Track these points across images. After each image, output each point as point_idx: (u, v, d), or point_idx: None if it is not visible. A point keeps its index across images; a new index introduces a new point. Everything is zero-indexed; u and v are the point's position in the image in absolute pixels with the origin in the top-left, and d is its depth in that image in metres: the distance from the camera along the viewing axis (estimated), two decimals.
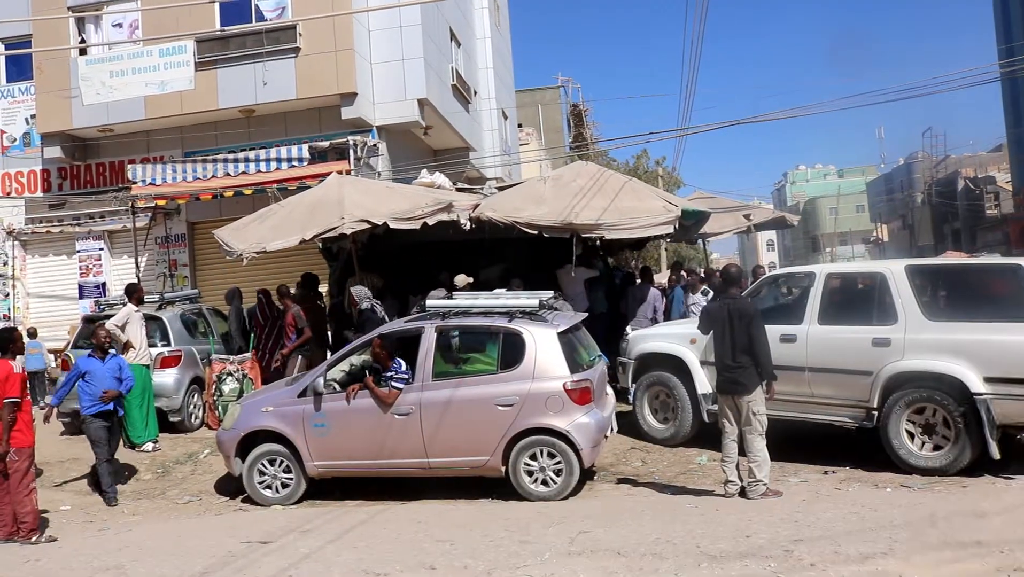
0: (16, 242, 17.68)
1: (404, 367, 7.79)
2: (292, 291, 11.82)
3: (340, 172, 13.57)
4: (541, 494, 7.40)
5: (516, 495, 7.48)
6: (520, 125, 30.56)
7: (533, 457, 7.45)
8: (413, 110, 16.32)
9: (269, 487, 8.03)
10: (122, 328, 10.01)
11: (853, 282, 8.43)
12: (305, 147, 15.25)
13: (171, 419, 10.92)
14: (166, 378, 10.86)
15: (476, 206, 11.02)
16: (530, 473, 7.47)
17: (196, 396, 11.38)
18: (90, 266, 17.39)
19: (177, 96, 15.74)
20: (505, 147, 24.54)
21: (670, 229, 10.41)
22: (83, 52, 16.45)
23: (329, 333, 11.88)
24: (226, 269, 14.97)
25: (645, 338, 9.53)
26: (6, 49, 17.56)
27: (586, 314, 9.12)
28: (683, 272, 12.89)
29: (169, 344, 11.20)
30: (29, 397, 7.37)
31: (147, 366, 10.22)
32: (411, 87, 16.29)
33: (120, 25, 16.50)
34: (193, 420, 11.25)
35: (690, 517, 6.48)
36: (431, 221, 10.67)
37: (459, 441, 7.56)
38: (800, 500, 6.82)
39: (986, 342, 7.08)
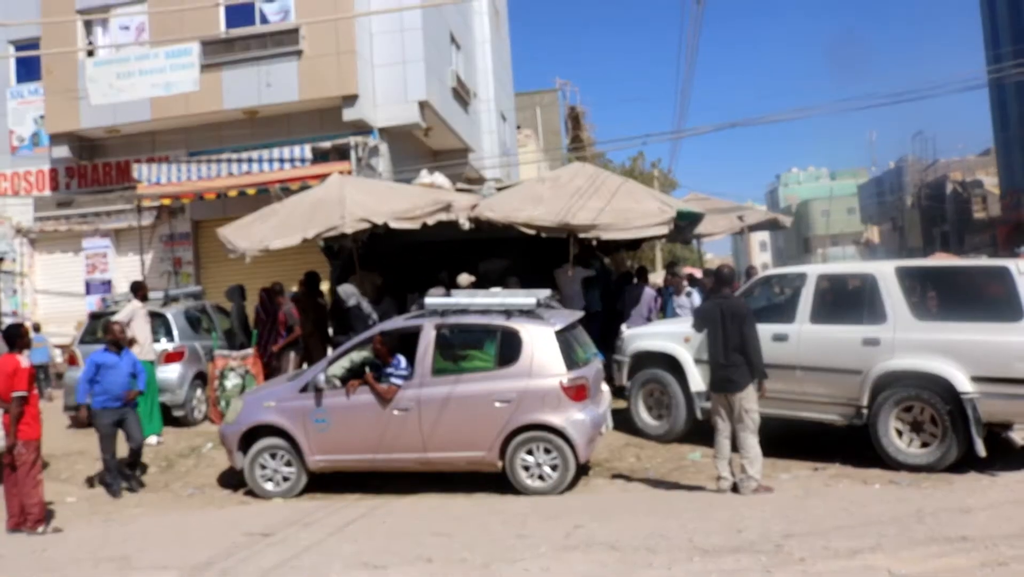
0: (25, 240, 17.82)
1: (404, 363, 7.91)
2: (294, 289, 11.93)
3: (341, 172, 13.68)
4: (537, 489, 7.50)
5: (513, 490, 7.56)
6: (519, 127, 30.60)
7: (530, 452, 7.54)
8: (414, 112, 16.39)
9: (271, 480, 8.13)
10: (127, 324, 10.13)
11: (844, 283, 8.50)
12: (307, 148, 15.35)
13: (175, 414, 11.04)
14: (170, 373, 10.98)
15: (475, 206, 11.09)
16: (527, 468, 7.56)
17: (199, 391, 11.50)
18: (96, 263, 17.50)
19: (182, 97, 15.84)
20: (504, 149, 24.63)
21: (665, 230, 10.49)
22: (91, 54, 16.58)
23: (331, 331, 11.99)
24: (229, 267, 15.04)
25: (640, 337, 9.61)
26: (16, 51, 17.71)
27: (583, 313, 9.20)
28: (670, 274, 12.93)
29: (173, 340, 11.32)
30: (36, 391, 7.46)
31: (152, 362, 10.35)
32: (412, 89, 16.37)
33: (127, 28, 16.60)
34: (196, 415, 11.37)
35: (683, 512, 6.54)
36: (431, 221, 10.76)
37: (457, 436, 7.65)
38: (791, 496, 6.89)
39: (973, 342, 7.17)
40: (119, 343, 8.64)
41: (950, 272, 8.46)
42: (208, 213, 16.49)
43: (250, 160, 15.49)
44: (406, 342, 8.09)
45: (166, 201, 15.97)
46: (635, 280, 12.53)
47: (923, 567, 4.89)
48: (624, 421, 9.34)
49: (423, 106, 16.48)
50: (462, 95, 19.73)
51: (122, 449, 8.75)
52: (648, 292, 11.82)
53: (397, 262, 12.45)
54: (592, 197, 10.51)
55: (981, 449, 7.07)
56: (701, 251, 19.38)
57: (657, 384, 9.16)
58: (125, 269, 17.16)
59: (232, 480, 8.72)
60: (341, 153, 15.31)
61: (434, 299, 8.33)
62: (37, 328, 15.62)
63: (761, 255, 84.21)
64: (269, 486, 8.13)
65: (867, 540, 5.37)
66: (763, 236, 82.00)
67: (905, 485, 7.04)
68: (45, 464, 8.30)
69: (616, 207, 10.37)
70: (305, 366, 10.37)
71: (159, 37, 15.89)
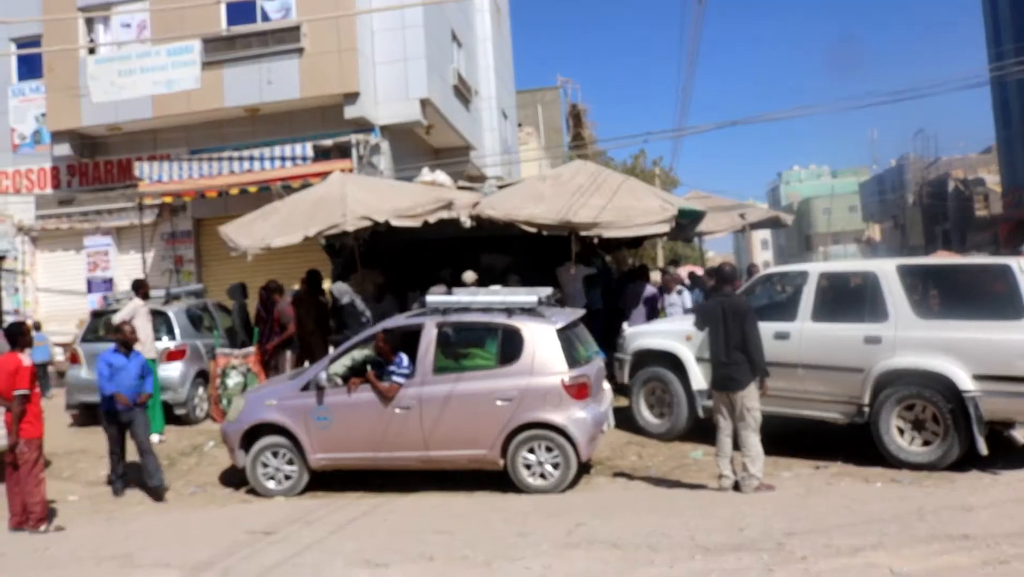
0: (26, 238, 17.85)
1: (406, 362, 7.91)
2: (296, 287, 11.94)
3: (343, 170, 13.68)
4: (539, 487, 7.50)
5: (514, 488, 7.57)
6: (520, 125, 30.59)
7: (531, 451, 7.55)
8: (415, 110, 16.40)
9: (272, 479, 8.14)
10: (129, 322, 10.14)
11: (846, 281, 8.48)
12: (309, 145, 15.37)
13: (177, 412, 11.05)
14: (172, 372, 11.00)
15: (476, 204, 11.09)
16: (528, 466, 7.56)
17: (201, 389, 11.51)
18: (98, 261, 17.53)
19: (184, 95, 15.85)
20: (505, 146, 24.63)
21: (667, 228, 10.48)
22: (92, 52, 16.60)
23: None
24: (231, 265, 15.08)
25: (641, 335, 9.61)
26: (18, 48, 17.73)
27: (584, 311, 9.20)
28: (666, 275, 12.93)
29: (175, 338, 11.33)
30: (38, 389, 7.47)
31: (153, 360, 10.35)
32: (413, 87, 16.37)
33: (128, 25, 16.62)
34: (198, 413, 11.39)
35: (685, 510, 6.55)
36: (432, 218, 10.77)
37: (459, 435, 7.66)
38: (792, 494, 6.89)
39: (974, 340, 7.16)
40: (129, 344, 8.55)
41: (952, 270, 8.45)
42: (209, 211, 16.51)
43: (251, 158, 15.52)
44: (408, 340, 8.10)
45: (167, 199, 15.99)
46: (636, 278, 12.52)
47: (925, 565, 4.88)
48: (626, 419, 9.34)
49: (424, 104, 16.48)
50: (463, 93, 19.73)
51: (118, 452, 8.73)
52: (649, 290, 11.83)
53: (399, 260, 12.46)
54: (593, 195, 10.50)
55: (983, 447, 7.07)
56: (703, 249, 19.37)
57: (659, 382, 9.16)
58: (127, 267, 17.19)
59: (234, 478, 8.73)
60: (342, 151, 15.32)
61: (436, 297, 8.33)
62: (38, 327, 15.64)
63: (763, 253, 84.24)
64: (271, 484, 8.14)
65: (869, 538, 5.37)
66: (764, 234, 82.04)
67: (907, 483, 7.04)
68: (47, 462, 8.31)
69: (617, 205, 10.36)
70: (307, 364, 10.36)
71: (160, 35, 15.89)
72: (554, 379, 7.49)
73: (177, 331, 11.42)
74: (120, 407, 8.26)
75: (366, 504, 7.55)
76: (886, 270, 7.85)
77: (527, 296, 8.01)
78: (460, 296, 8.29)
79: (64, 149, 16.92)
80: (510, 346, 7.71)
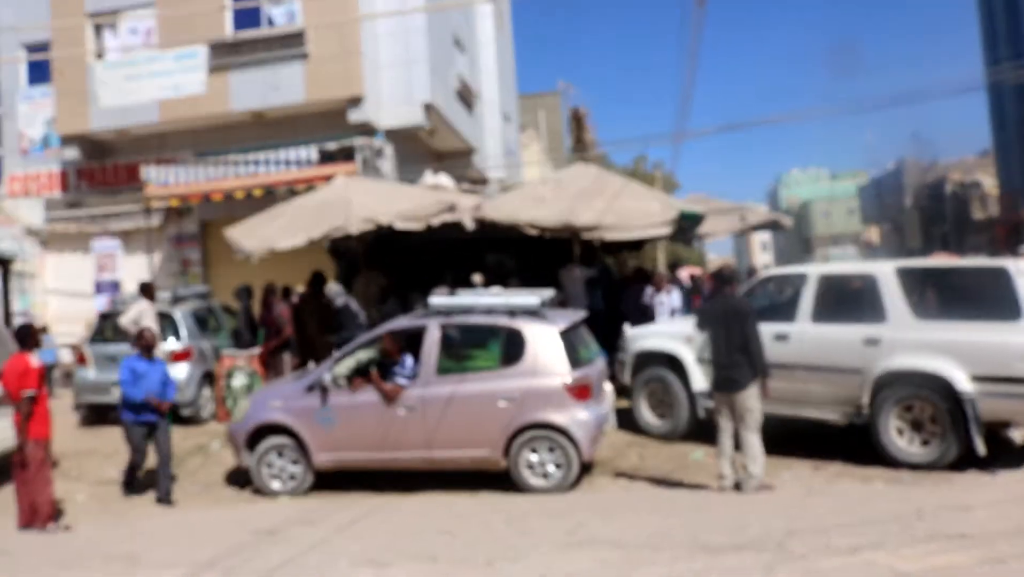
0: (35, 240, 17.96)
1: (410, 363, 7.96)
2: (300, 289, 12.00)
3: (347, 174, 13.75)
4: (541, 487, 7.53)
5: (516, 488, 7.58)
6: (522, 128, 30.65)
7: (533, 451, 7.58)
8: (418, 113, 16.47)
9: (277, 479, 8.18)
10: (136, 324, 10.23)
11: (845, 283, 8.49)
12: (313, 149, 15.43)
13: (183, 413, 11.09)
14: (178, 373, 10.98)
15: (479, 207, 11.15)
16: (530, 467, 7.59)
17: (207, 390, 11.57)
18: (106, 264, 17.64)
19: (190, 100, 15.97)
20: (507, 150, 24.68)
21: (667, 230, 10.51)
22: (100, 57, 16.73)
23: None
24: (237, 267, 15.10)
25: (643, 336, 9.64)
26: (27, 53, 17.86)
27: (586, 312, 9.26)
28: (656, 274, 12.92)
29: (181, 340, 11.40)
30: (46, 390, 7.53)
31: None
32: (416, 91, 16.45)
33: (136, 31, 16.76)
34: (204, 413, 11.44)
35: (686, 510, 6.58)
36: (435, 221, 10.81)
37: (461, 435, 7.69)
38: (793, 494, 6.91)
39: (972, 341, 7.18)
40: (151, 349, 8.46)
41: (950, 272, 8.46)
42: (215, 214, 16.58)
43: (257, 162, 15.59)
44: (411, 342, 8.14)
45: (174, 202, 16.08)
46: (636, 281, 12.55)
47: (924, 564, 4.89)
48: (627, 420, 9.36)
49: (428, 108, 16.56)
50: (466, 97, 19.80)
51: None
52: (647, 291, 11.87)
53: (402, 263, 12.51)
54: (595, 198, 10.54)
55: (981, 448, 7.08)
56: (703, 251, 19.36)
57: (660, 383, 9.17)
58: (134, 269, 17.27)
59: (239, 478, 8.77)
60: (347, 155, 15.37)
61: (439, 299, 8.38)
62: (44, 329, 15.74)
63: (762, 255, 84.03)
64: (276, 484, 8.18)
65: (868, 537, 5.38)
66: (764, 236, 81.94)
67: (906, 483, 7.05)
68: (55, 463, 8.35)
69: (618, 208, 10.39)
70: (311, 366, 10.42)
71: (167, 40, 16.03)
72: (556, 380, 7.53)
73: (183, 333, 11.49)
74: (147, 416, 8.19)
75: (369, 504, 7.58)
76: (885, 272, 7.86)
77: (529, 298, 8.04)
78: (463, 298, 8.35)
79: (73, 153, 17.07)
80: (512, 347, 7.74)
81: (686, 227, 11.54)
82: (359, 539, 6.30)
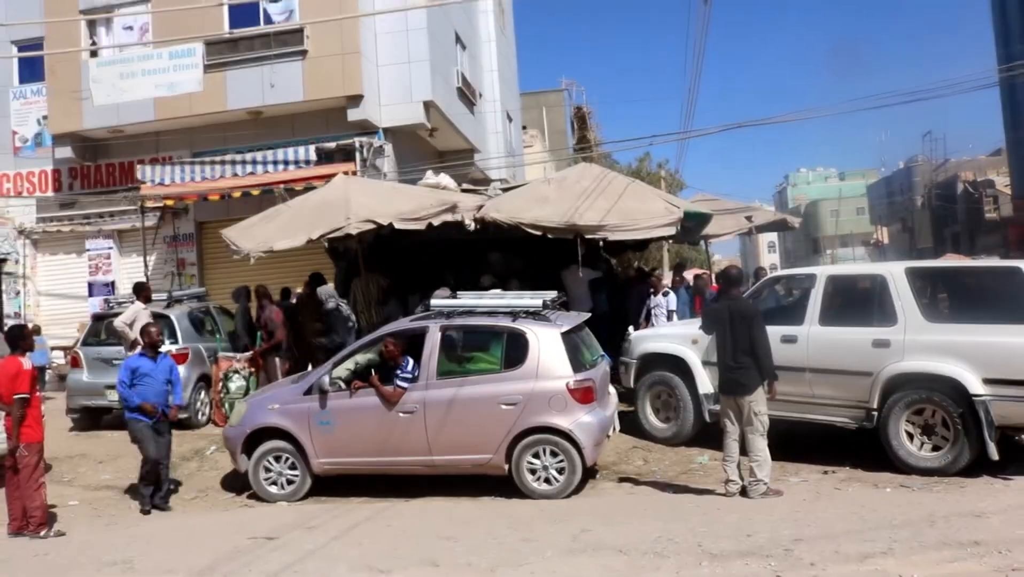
0: (27, 241, 17.83)
1: (411, 365, 7.86)
2: (299, 290, 11.90)
3: (346, 173, 13.66)
4: (544, 492, 7.45)
5: (519, 493, 7.51)
6: (524, 127, 30.59)
7: (536, 455, 7.50)
8: (419, 112, 16.40)
9: (275, 484, 8.09)
10: (130, 326, 10.12)
11: (853, 284, 8.43)
12: (312, 148, 15.34)
13: (179, 416, 10.99)
14: None
15: (481, 207, 11.06)
16: (533, 471, 7.51)
17: (203, 393, 11.46)
18: (99, 265, 17.53)
19: (186, 98, 15.87)
20: (509, 149, 24.61)
21: (672, 230, 10.44)
22: (94, 54, 16.61)
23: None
24: (233, 268, 15.05)
25: (647, 338, 9.58)
26: (19, 51, 17.74)
27: (589, 314, 9.15)
28: (652, 277, 12.82)
29: (177, 342, 11.28)
30: (39, 393, 7.44)
31: None
32: (417, 89, 16.38)
33: (131, 28, 16.66)
34: (200, 417, 11.34)
35: (691, 516, 6.51)
36: (436, 222, 10.73)
37: (463, 439, 7.60)
38: (800, 499, 6.84)
39: (985, 344, 7.11)
40: (156, 347, 8.19)
41: (961, 273, 8.45)
42: (212, 214, 16.49)
43: (254, 161, 15.49)
44: (411, 344, 8.04)
45: (169, 202, 15.97)
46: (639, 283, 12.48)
47: (935, 572, 4.85)
48: (631, 424, 9.30)
49: (428, 106, 16.49)
50: (467, 95, 19.72)
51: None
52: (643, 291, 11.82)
53: (402, 263, 12.42)
54: (599, 198, 10.46)
55: (994, 453, 7.00)
56: (709, 252, 19.30)
57: (664, 386, 9.11)
58: (128, 270, 17.21)
59: (236, 483, 8.69)
60: (346, 154, 15.29)
61: (440, 300, 8.28)
62: (37, 331, 15.62)
63: (769, 256, 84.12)
64: (273, 489, 8.09)
65: (878, 545, 5.33)
66: (771, 237, 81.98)
67: (917, 489, 6.98)
68: (48, 467, 8.29)
69: (623, 208, 10.32)
70: (310, 368, 10.30)
71: (162, 37, 15.92)
72: (559, 383, 7.44)
73: (179, 335, 11.38)
74: (146, 418, 7.92)
75: (369, 509, 7.50)
76: (895, 273, 7.79)
77: (532, 299, 7.96)
78: (465, 299, 8.25)
79: (66, 152, 16.94)
80: (515, 350, 7.65)
81: (691, 227, 11.46)
82: (359, 545, 6.22)
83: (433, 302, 8.24)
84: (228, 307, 13.20)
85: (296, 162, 15.32)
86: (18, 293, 17.62)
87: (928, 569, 4.87)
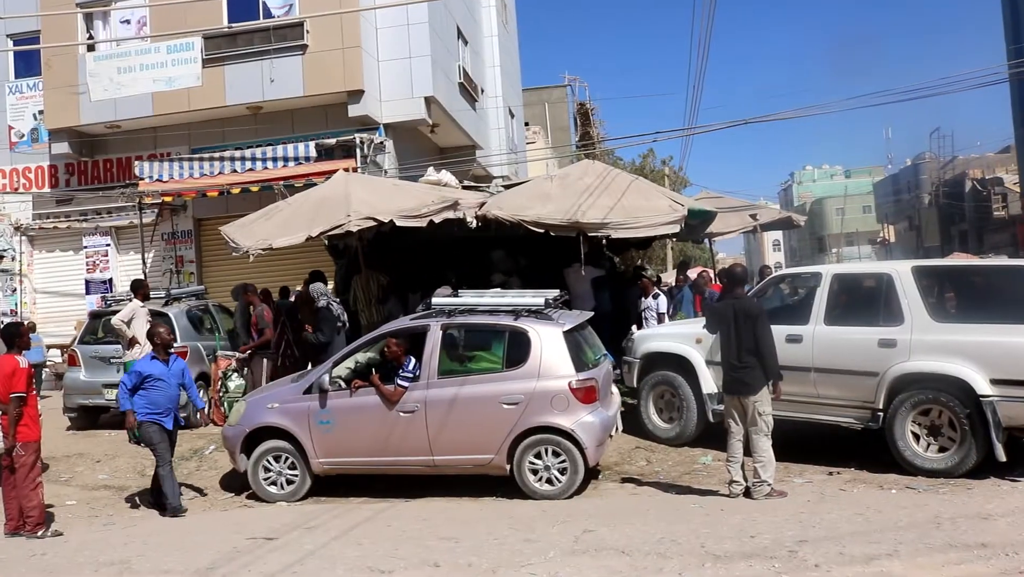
0: (23, 238, 17.76)
1: (412, 364, 7.80)
2: (298, 288, 11.82)
3: (347, 169, 13.58)
4: (546, 493, 7.40)
5: (521, 493, 7.48)
6: (527, 124, 30.53)
7: (538, 456, 7.45)
8: (420, 108, 16.35)
9: (274, 484, 8.03)
10: (128, 324, 10.05)
11: (859, 283, 8.38)
12: (312, 144, 15.26)
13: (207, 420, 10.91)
14: None
15: (482, 204, 10.98)
16: (535, 472, 7.46)
17: (202, 392, 11.36)
18: (97, 262, 17.48)
19: (184, 93, 15.80)
20: (512, 145, 24.53)
21: (676, 228, 10.35)
22: (91, 48, 16.53)
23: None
24: (232, 266, 15.02)
25: (650, 337, 9.54)
26: (15, 45, 17.65)
27: (591, 313, 9.10)
28: (643, 278, 12.68)
29: (175, 340, 11.20)
30: (35, 392, 7.39)
31: None
32: (418, 85, 16.32)
33: (128, 22, 16.60)
34: (197, 416, 11.25)
35: (694, 517, 6.48)
36: (437, 219, 10.65)
37: (464, 439, 7.56)
38: (805, 501, 6.81)
39: (993, 344, 7.05)
40: (167, 348, 7.95)
41: (969, 272, 8.41)
42: (211, 211, 16.45)
43: (253, 157, 15.43)
44: (412, 343, 7.99)
45: (168, 198, 15.92)
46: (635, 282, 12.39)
47: (941, 574, 4.82)
48: (634, 424, 9.25)
49: (429, 102, 16.43)
50: (469, 91, 19.66)
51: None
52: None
53: (403, 261, 12.36)
54: (601, 195, 10.38)
55: (1001, 454, 6.95)
56: (713, 250, 19.26)
57: (668, 386, 9.06)
58: (126, 268, 17.16)
59: (235, 483, 8.64)
60: (346, 150, 15.23)
61: (441, 299, 8.23)
62: (31, 328, 15.55)
63: (774, 254, 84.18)
64: (273, 489, 8.03)
65: (883, 546, 5.30)
66: (776, 235, 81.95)
67: (922, 490, 6.94)
68: (45, 466, 8.25)
69: (626, 205, 10.24)
70: (309, 366, 10.24)
71: (160, 31, 15.83)
72: (561, 382, 7.39)
73: (177, 333, 11.24)
74: (163, 418, 7.64)
75: (369, 509, 7.46)
76: (901, 272, 7.74)
77: (534, 298, 7.92)
78: (466, 298, 8.20)
79: (62, 147, 16.88)
80: (516, 349, 7.60)
81: (695, 225, 11.38)
82: (359, 545, 6.19)
83: (434, 300, 8.20)
84: (227, 305, 13.14)
85: (296, 158, 15.24)
86: (14, 290, 17.56)
87: (934, 571, 4.84)
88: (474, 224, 10.76)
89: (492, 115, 22.85)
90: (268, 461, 8.03)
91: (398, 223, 10.55)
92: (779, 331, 7.41)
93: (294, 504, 7.89)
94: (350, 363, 8.22)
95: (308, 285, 11.85)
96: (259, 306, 11.18)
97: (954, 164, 53.91)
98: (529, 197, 11.03)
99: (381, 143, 15.72)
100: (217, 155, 15.72)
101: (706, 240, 16.25)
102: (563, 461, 7.39)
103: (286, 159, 15.28)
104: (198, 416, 8.03)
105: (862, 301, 8.08)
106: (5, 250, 16.76)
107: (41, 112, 17.24)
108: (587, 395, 7.43)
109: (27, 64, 17.74)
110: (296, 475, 8.00)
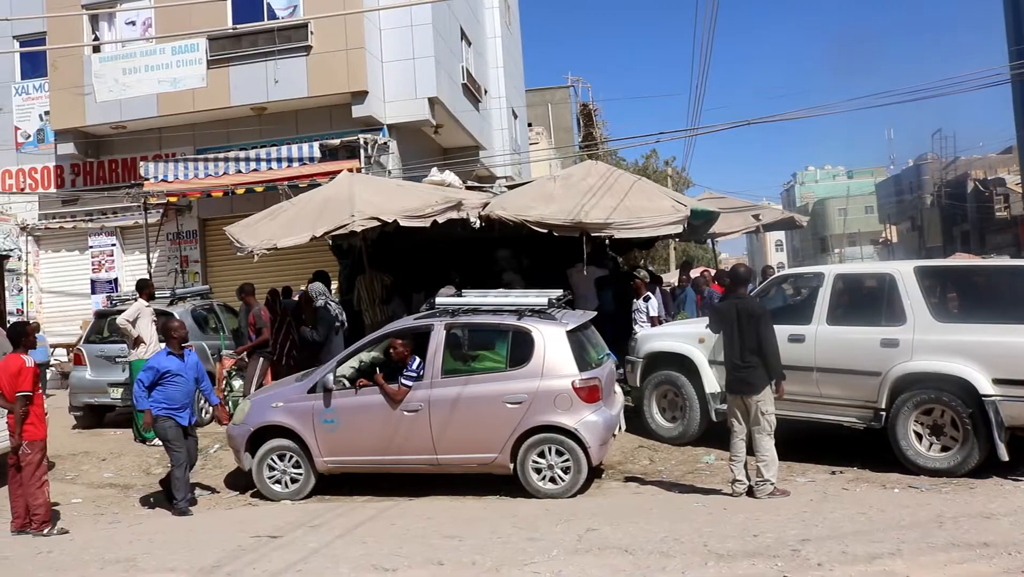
0: (29, 238, 17.82)
1: (416, 364, 7.82)
2: (303, 288, 11.83)
3: (351, 170, 13.60)
4: (549, 491, 7.42)
5: (524, 492, 7.49)
6: (530, 124, 30.52)
7: (541, 455, 7.46)
8: (424, 109, 16.35)
9: (279, 482, 8.06)
10: (133, 323, 10.09)
11: (862, 283, 8.37)
12: (316, 145, 15.28)
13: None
14: None
15: (486, 204, 11.00)
16: (538, 470, 7.47)
17: None
18: (102, 262, 17.51)
19: (189, 94, 15.82)
20: (515, 146, 24.54)
21: (679, 229, 10.36)
22: (97, 50, 16.57)
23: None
24: (237, 266, 15.04)
25: (654, 337, 9.53)
26: (21, 46, 17.72)
27: (595, 312, 9.11)
28: (635, 280, 12.63)
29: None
30: (41, 391, 7.41)
31: None
32: (422, 86, 16.33)
33: (133, 23, 16.62)
34: (203, 415, 11.27)
35: (697, 516, 6.48)
36: (441, 219, 10.67)
37: (468, 438, 7.58)
38: (808, 500, 6.80)
39: (995, 344, 7.05)
40: (182, 342, 7.95)
41: (971, 272, 8.38)
42: (215, 211, 16.47)
43: (258, 158, 15.45)
44: (416, 342, 8.00)
45: (173, 199, 15.94)
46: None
47: (944, 574, 4.81)
48: (637, 423, 9.25)
49: (433, 103, 16.44)
50: (473, 91, 19.67)
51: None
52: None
53: (407, 261, 12.37)
54: (604, 195, 10.39)
55: (1004, 453, 6.95)
56: (716, 251, 19.26)
57: (671, 386, 9.06)
58: (131, 268, 17.19)
59: (239, 481, 8.67)
60: (350, 150, 15.25)
61: (445, 299, 8.24)
62: (36, 328, 15.58)
63: (777, 255, 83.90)
64: (277, 488, 8.06)
65: (886, 546, 5.30)
66: (779, 235, 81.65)
67: (925, 490, 6.94)
68: (51, 464, 8.29)
69: (629, 205, 10.25)
70: (305, 365, 10.25)
71: (165, 32, 15.86)
72: (564, 382, 7.40)
73: None
74: (179, 414, 7.65)
75: (373, 508, 7.47)
76: (904, 272, 7.74)
77: (537, 298, 7.93)
78: (470, 297, 8.21)
79: (68, 148, 16.90)
80: (520, 348, 7.61)
81: (698, 226, 11.37)
82: (363, 544, 6.19)
83: (438, 300, 8.21)
84: (232, 305, 13.17)
85: (300, 159, 15.26)
86: (20, 290, 17.60)
87: (936, 570, 4.83)
88: (478, 224, 10.77)
89: (495, 116, 22.85)
90: (273, 460, 8.06)
91: (402, 223, 10.57)
92: (782, 331, 7.42)
93: (298, 502, 7.91)
94: (354, 362, 8.23)
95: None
96: (255, 306, 11.20)
97: (956, 165, 53.74)
98: (532, 197, 11.05)
99: (385, 144, 15.74)
100: (222, 155, 15.74)
101: (709, 240, 16.22)
102: (566, 460, 7.41)
103: (290, 159, 15.31)
104: (214, 411, 8.01)
105: (865, 301, 8.07)
106: (11, 250, 16.79)
107: (47, 113, 17.26)
108: (590, 394, 7.44)
109: (33, 65, 17.78)
110: (300, 474, 8.02)
